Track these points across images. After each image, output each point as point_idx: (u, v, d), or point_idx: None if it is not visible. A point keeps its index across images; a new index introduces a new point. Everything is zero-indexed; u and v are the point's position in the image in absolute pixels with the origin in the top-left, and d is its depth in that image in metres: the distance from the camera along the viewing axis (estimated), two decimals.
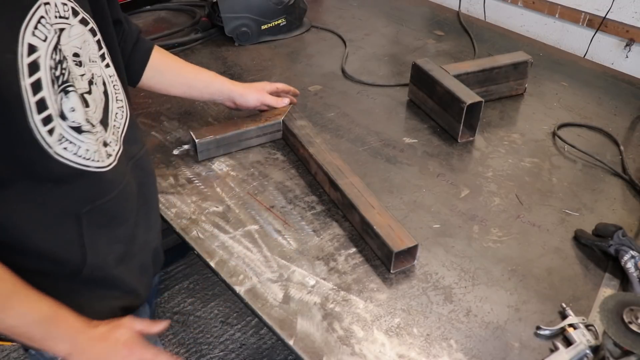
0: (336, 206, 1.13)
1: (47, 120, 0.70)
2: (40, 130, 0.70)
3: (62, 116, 0.72)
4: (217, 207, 1.13)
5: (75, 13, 0.76)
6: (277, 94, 1.35)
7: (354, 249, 1.04)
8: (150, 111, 1.41)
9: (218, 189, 1.17)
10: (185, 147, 1.27)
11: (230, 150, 1.27)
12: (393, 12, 2.05)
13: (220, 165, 1.24)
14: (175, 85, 1.22)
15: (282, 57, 1.72)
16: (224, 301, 2.24)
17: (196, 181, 1.19)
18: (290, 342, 0.87)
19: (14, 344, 0.87)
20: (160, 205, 1.12)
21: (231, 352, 2.04)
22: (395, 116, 1.45)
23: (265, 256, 1.02)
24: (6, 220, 0.74)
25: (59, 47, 0.72)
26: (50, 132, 0.71)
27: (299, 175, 1.22)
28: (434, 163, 1.27)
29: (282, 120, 1.30)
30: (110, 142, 0.83)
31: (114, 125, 0.85)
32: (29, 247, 0.77)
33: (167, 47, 1.71)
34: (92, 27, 0.80)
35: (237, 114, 1.39)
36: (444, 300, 0.95)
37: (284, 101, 1.33)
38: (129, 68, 1.12)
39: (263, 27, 1.79)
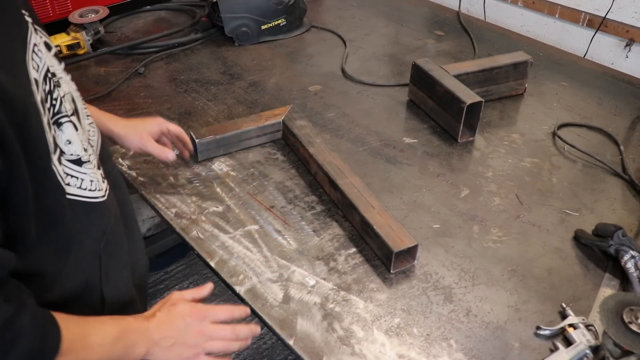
0: (336, 206, 1.13)
1: (59, 159, 0.66)
2: (59, 170, 0.66)
3: (61, 151, 0.67)
4: (217, 207, 1.12)
5: (33, 27, 0.68)
6: (168, 136, 1.17)
7: (354, 249, 1.04)
8: (150, 111, 1.41)
9: (218, 189, 1.17)
10: None
11: (230, 150, 1.27)
12: (393, 12, 2.05)
13: (220, 165, 1.24)
14: None
15: (282, 57, 1.72)
16: (224, 301, 2.23)
17: (196, 181, 1.19)
18: (290, 342, 0.87)
19: None
20: (160, 205, 1.12)
21: None
22: (395, 116, 1.45)
23: (265, 256, 1.02)
24: (36, 268, 0.69)
25: (49, 74, 0.66)
26: (62, 168, 0.67)
27: (299, 175, 1.22)
28: (434, 163, 1.27)
29: (282, 120, 1.30)
30: (96, 163, 0.78)
31: (91, 145, 0.79)
32: (58, 292, 0.73)
33: (167, 47, 1.71)
34: (45, 40, 0.72)
35: (237, 114, 1.39)
36: (444, 300, 0.95)
37: (167, 155, 1.10)
38: None
39: (263, 27, 1.79)
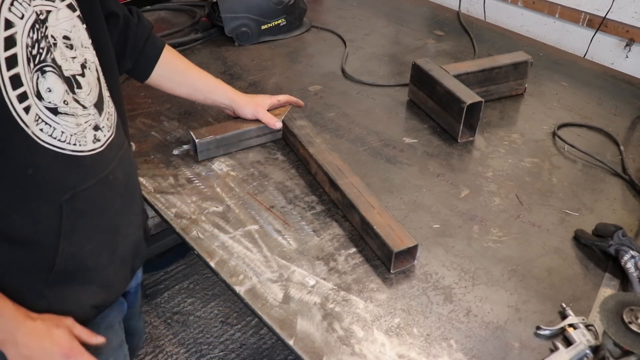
0: (336, 206, 1.13)
1: (22, 97, 0.70)
2: (16, 107, 0.70)
3: (39, 96, 0.72)
4: (217, 207, 1.13)
5: None
6: (279, 105, 1.34)
7: (354, 249, 1.04)
8: (150, 111, 1.41)
9: (218, 189, 1.17)
10: (185, 147, 1.27)
11: (230, 150, 1.27)
12: (393, 12, 2.05)
13: (220, 165, 1.24)
14: (182, 86, 1.23)
15: (282, 57, 1.72)
16: (224, 301, 2.24)
17: (196, 181, 1.19)
18: (290, 342, 0.87)
19: None
20: (160, 205, 1.12)
21: (231, 352, 2.04)
22: (395, 116, 1.45)
23: (265, 256, 1.02)
24: None
25: (36, 26, 0.72)
26: (27, 110, 0.71)
27: (299, 175, 1.22)
28: (434, 163, 1.27)
29: (282, 120, 1.30)
30: (104, 127, 0.83)
31: (109, 112, 0.86)
32: (6, 232, 0.76)
33: None
34: (79, 15, 0.81)
35: None
36: (444, 300, 0.95)
37: (276, 124, 1.29)
38: (140, 63, 1.15)
39: (263, 27, 1.79)
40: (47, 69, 0.74)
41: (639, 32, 1.75)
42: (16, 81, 0.69)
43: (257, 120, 1.28)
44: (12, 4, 0.68)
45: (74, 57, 0.79)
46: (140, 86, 1.21)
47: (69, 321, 0.84)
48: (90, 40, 0.83)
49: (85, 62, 0.81)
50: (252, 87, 1.54)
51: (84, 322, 0.87)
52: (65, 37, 0.77)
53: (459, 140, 1.34)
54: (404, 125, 1.41)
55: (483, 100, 1.28)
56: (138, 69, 1.16)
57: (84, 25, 0.82)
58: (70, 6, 0.79)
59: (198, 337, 2.09)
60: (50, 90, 0.74)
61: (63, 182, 0.78)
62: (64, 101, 0.76)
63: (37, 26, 0.72)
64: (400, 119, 1.44)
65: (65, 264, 0.81)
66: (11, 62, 0.69)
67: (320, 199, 1.15)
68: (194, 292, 2.28)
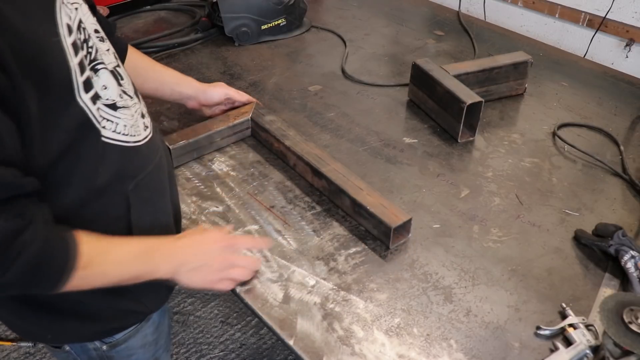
0: (336, 206, 1.13)
1: (94, 99, 0.71)
2: (92, 109, 0.71)
3: (97, 95, 0.73)
4: (217, 207, 1.13)
5: None
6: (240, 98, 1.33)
7: (354, 249, 1.04)
8: (150, 111, 1.39)
9: (218, 189, 1.17)
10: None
11: (203, 153, 1.25)
12: (393, 12, 2.05)
13: (220, 165, 1.24)
14: (149, 81, 1.19)
15: (282, 57, 1.72)
16: (224, 301, 2.24)
17: (196, 181, 1.19)
18: (290, 342, 0.87)
19: (14, 343, 0.88)
20: None
21: (231, 352, 2.04)
22: (395, 116, 1.45)
23: (265, 256, 1.02)
24: (65, 202, 0.74)
25: (82, 25, 0.73)
26: (98, 110, 0.72)
27: (299, 175, 1.22)
28: (434, 163, 1.27)
29: (250, 117, 1.29)
30: (145, 113, 0.85)
31: (141, 98, 0.87)
32: (82, 229, 0.77)
33: (167, 47, 1.71)
34: (88, 7, 0.82)
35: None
36: (444, 300, 0.95)
37: (247, 96, 1.31)
38: None
39: (263, 27, 1.79)
40: (98, 66, 0.74)
41: (639, 32, 1.75)
42: (88, 84, 0.70)
43: (226, 120, 1.27)
44: (61, 8, 0.68)
45: (108, 49, 0.79)
46: None
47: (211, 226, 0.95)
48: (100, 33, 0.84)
49: (114, 52, 0.82)
50: (252, 87, 1.54)
51: (160, 306, 0.92)
52: (96, 31, 0.78)
53: (459, 140, 1.34)
54: (404, 125, 1.41)
55: (483, 100, 1.28)
56: None
57: (95, 17, 0.83)
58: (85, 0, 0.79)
59: (198, 337, 2.09)
60: (105, 87, 0.75)
61: (127, 174, 0.79)
62: (119, 95, 0.77)
63: (82, 25, 0.73)
64: (400, 119, 1.44)
65: None
66: (82, 67, 0.69)
67: (320, 198, 1.15)
68: (194, 292, 2.28)
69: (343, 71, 1.64)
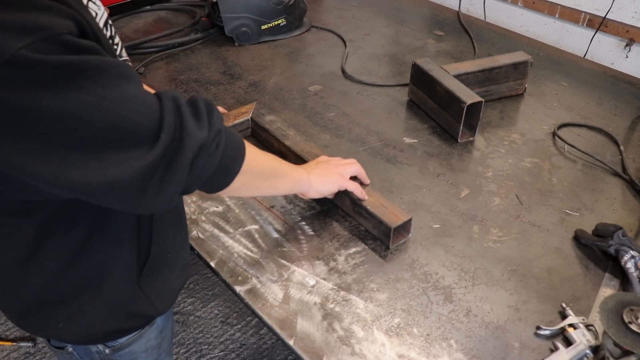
0: (336, 206, 1.13)
1: None
2: None
3: None
4: (217, 207, 1.12)
5: None
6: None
7: (354, 249, 1.04)
8: None
9: None
10: None
11: None
12: (393, 12, 2.05)
13: None
14: None
15: (282, 57, 1.72)
16: (224, 301, 2.24)
17: None
18: (290, 342, 0.87)
19: (14, 343, 0.87)
20: None
21: (231, 352, 2.04)
22: (395, 116, 1.45)
23: (265, 256, 1.02)
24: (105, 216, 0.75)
25: (109, 22, 0.73)
26: None
27: None
28: (434, 163, 1.27)
29: (250, 117, 1.29)
30: None
31: None
32: (115, 234, 0.78)
33: (167, 47, 1.71)
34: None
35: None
36: (444, 300, 0.95)
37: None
38: None
39: (263, 27, 1.79)
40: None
41: (639, 32, 1.75)
42: None
43: (226, 120, 1.26)
44: (88, 4, 0.68)
45: (121, 44, 0.80)
46: None
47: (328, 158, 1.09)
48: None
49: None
50: (252, 87, 1.54)
51: (168, 308, 0.93)
52: (110, 24, 0.78)
53: (459, 140, 1.34)
54: (404, 125, 1.41)
55: (483, 100, 1.28)
56: None
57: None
58: None
59: (198, 337, 2.09)
60: None
61: None
62: None
63: (109, 22, 0.73)
64: (400, 119, 1.44)
65: (158, 251, 0.84)
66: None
67: (320, 198, 1.15)
68: (194, 292, 2.28)
69: (343, 71, 1.64)
